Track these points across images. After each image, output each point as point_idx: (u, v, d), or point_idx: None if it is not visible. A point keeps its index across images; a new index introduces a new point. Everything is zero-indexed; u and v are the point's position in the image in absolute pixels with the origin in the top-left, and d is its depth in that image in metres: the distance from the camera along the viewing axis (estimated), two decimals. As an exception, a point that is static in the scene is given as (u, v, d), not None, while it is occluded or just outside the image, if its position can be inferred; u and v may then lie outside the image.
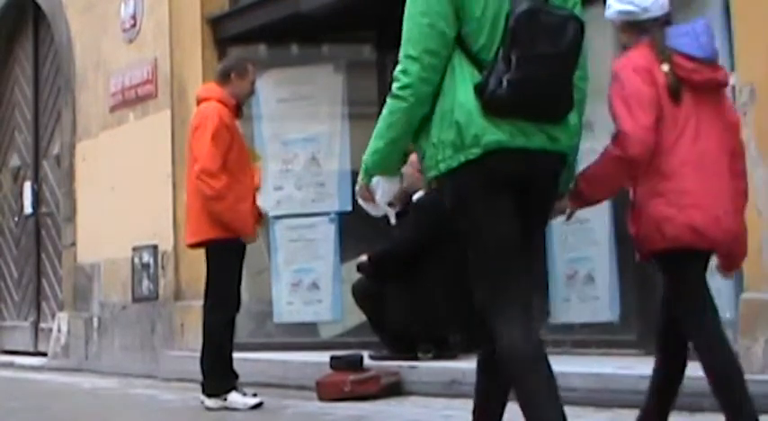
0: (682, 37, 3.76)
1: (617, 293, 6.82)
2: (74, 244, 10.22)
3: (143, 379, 8.63)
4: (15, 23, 11.62)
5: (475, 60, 3.28)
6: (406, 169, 7.13)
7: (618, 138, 3.68)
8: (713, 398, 4.99)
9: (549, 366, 3.39)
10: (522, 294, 3.30)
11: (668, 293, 3.82)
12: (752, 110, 5.07)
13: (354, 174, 8.38)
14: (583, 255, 7.01)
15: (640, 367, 5.71)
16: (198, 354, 6.53)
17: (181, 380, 7.82)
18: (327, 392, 6.36)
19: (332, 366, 6.65)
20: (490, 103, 3.20)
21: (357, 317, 7.55)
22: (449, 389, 6.25)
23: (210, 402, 6.34)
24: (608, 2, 4.00)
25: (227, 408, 6.29)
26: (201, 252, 6.54)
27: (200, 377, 6.47)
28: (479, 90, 3.22)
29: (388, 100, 3.32)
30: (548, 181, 3.37)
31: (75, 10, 10.35)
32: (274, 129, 8.47)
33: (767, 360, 4.88)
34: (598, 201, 3.78)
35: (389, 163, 3.40)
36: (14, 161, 11.66)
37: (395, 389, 6.44)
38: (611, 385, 5.49)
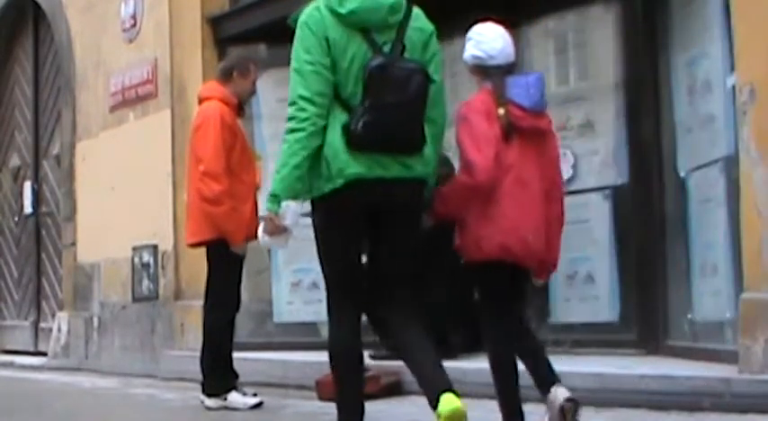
0: (516, 88, 4.41)
1: (617, 293, 6.82)
2: (74, 243, 10.22)
3: (143, 378, 8.63)
4: (15, 23, 11.62)
5: (345, 105, 3.99)
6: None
7: (467, 168, 4.31)
8: (713, 398, 5.01)
9: (361, 361, 4.39)
10: (356, 301, 4.16)
11: (479, 294, 4.58)
12: (752, 110, 5.07)
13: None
14: (583, 255, 7.00)
15: (640, 367, 5.72)
16: (198, 354, 6.53)
17: (181, 380, 7.82)
18: (327, 392, 6.35)
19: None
20: (351, 142, 3.92)
21: (357, 316, 7.54)
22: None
23: (210, 402, 6.34)
24: (466, 45, 4.62)
25: (227, 408, 6.30)
26: (201, 252, 6.54)
27: (200, 377, 6.47)
28: (345, 130, 3.93)
29: (288, 136, 3.98)
30: (407, 203, 4.06)
31: (75, 10, 10.35)
32: (274, 128, 8.45)
33: (767, 360, 4.88)
34: (450, 217, 4.44)
35: (296, 187, 3.99)
36: (14, 161, 11.67)
37: (395, 388, 6.44)
38: (611, 385, 5.49)
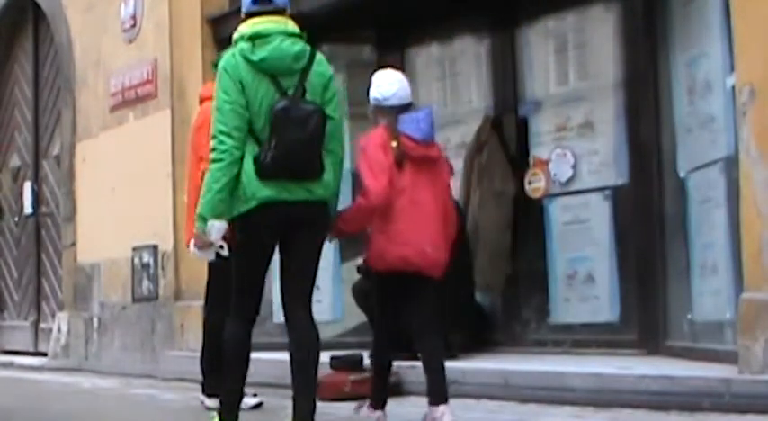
0: (408, 123, 5.09)
1: (617, 293, 6.82)
2: (74, 244, 10.22)
3: (143, 379, 8.62)
4: (15, 23, 11.62)
5: (256, 138, 4.67)
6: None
7: (365, 192, 4.97)
8: (713, 398, 5.01)
9: (248, 359, 4.99)
10: (252, 307, 4.82)
11: (376, 298, 5.27)
12: (751, 110, 5.07)
13: (354, 175, 8.42)
14: (583, 255, 7.01)
15: (640, 367, 5.72)
16: (198, 354, 6.53)
17: (181, 380, 7.82)
18: (327, 392, 6.36)
19: (332, 366, 6.65)
20: (261, 170, 4.61)
21: (357, 317, 7.55)
22: (449, 390, 6.24)
23: (210, 402, 6.34)
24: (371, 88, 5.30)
25: (227, 408, 6.29)
26: (201, 252, 6.53)
27: (200, 377, 6.47)
28: (256, 161, 4.62)
29: (211, 165, 4.64)
30: (311, 221, 4.74)
31: (75, 10, 10.35)
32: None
33: (767, 360, 4.88)
34: (351, 234, 5.17)
35: (219, 208, 4.64)
36: (14, 161, 11.66)
37: (395, 389, 6.43)
38: (611, 385, 5.49)
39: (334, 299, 8.28)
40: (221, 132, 4.66)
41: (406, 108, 5.18)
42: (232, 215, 4.69)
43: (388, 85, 5.26)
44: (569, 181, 7.12)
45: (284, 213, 4.66)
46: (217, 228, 4.68)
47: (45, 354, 10.41)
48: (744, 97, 5.10)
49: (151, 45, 9.22)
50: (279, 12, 4.83)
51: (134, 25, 9.48)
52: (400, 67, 8.34)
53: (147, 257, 9.11)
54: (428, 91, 8.21)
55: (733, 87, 5.36)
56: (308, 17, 7.78)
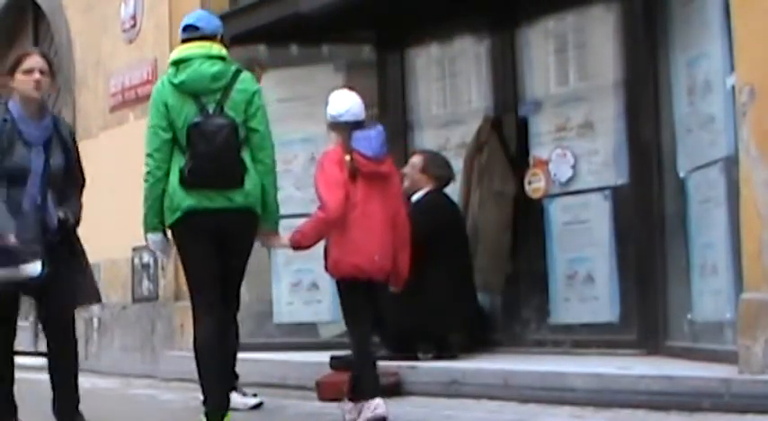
0: (360, 140, 5.42)
1: (617, 293, 6.82)
2: (74, 244, 10.20)
3: (143, 379, 8.63)
4: (15, 23, 11.62)
5: (183, 152, 5.16)
6: (407, 170, 7.16)
7: (323, 206, 5.33)
8: (713, 398, 5.01)
9: (226, 354, 5.48)
10: (211, 302, 5.18)
11: (341, 303, 5.59)
12: (752, 110, 5.07)
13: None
14: (583, 255, 7.01)
15: (640, 367, 5.72)
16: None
17: (181, 380, 7.81)
18: (327, 392, 6.36)
19: (332, 366, 6.65)
20: (182, 182, 5.11)
21: (357, 317, 7.53)
22: (449, 390, 6.25)
23: (210, 402, 6.33)
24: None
25: (227, 408, 6.29)
26: (201, 252, 6.53)
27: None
28: (180, 172, 5.12)
29: (144, 184, 5.30)
30: (236, 228, 5.19)
31: (75, 10, 10.35)
32: (274, 129, 8.43)
33: (767, 360, 4.88)
34: (309, 246, 5.45)
35: (154, 222, 5.32)
36: (14, 161, 11.65)
37: (395, 389, 6.43)
38: (611, 385, 5.49)
39: (334, 299, 8.24)
40: (146, 154, 5.28)
41: (359, 125, 5.49)
42: (167, 224, 5.28)
43: (341, 102, 5.59)
44: (569, 181, 7.12)
45: (209, 221, 5.12)
46: (152, 240, 5.42)
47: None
48: (744, 97, 5.10)
49: (151, 45, 9.22)
50: (206, 37, 5.33)
51: (134, 25, 9.48)
52: (400, 67, 8.39)
53: (147, 258, 9.11)
54: (428, 91, 8.22)
55: (733, 87, 5.35)
56: (308, 17, 7.82)
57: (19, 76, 5.12)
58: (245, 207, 5.15)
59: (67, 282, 5.13)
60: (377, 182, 5.45)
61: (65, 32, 10.46)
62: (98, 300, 5.53)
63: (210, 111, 5.14)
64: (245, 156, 5.20)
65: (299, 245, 5.42)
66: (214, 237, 5.17)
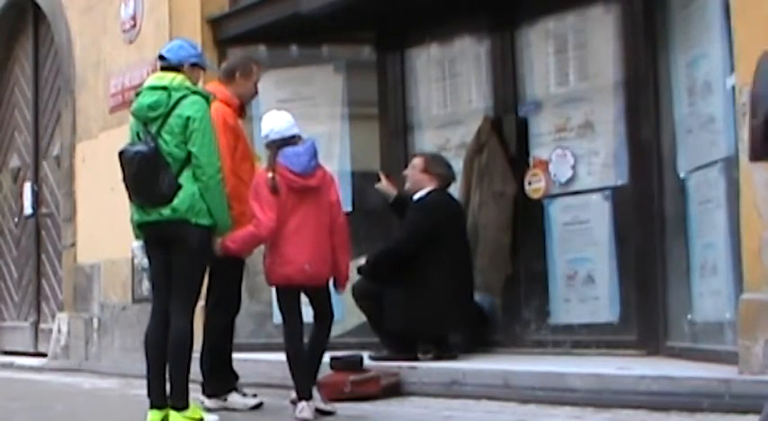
0: (290, 156, 5.80)
1: (617, 293, 6.82)
2: (74, 244, 10.22)
3: (143, 379, 8.60)
4: (15, 23, 11.62)
5: None
6: (408, 171, 7.17)
7: (256, 223, 5.75)
8: (713, 399, 5.02)
9: (163, 351, 5.61)
10: (162, 304, 5.65)
11: (279, 306, 6.00)
12: (752, 110, 5.06)
13: (354, 175, 8.43)
14: (583, 256, 7.01)
15: (640, 367, 5.72)
16: (198, 355, 6.52)
17: (181, 381, 7.79)
18: (327, 392, 6.35)
19: (332, 366, 6.65)
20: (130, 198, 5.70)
21: (357, 317, 7.55)
22: (449, 390, 6.25)
23: (210, 403, 6.34)
24: None
25: (227, 409, 6.29)
26: (201, 252, 6.53)
27: (199, 377, 6.46)
28: None
29: None
30: (170, 236, 5.57)
31: (76, 10, 10.35)
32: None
33: (767, 360, 4.88)
34: (240, 254, 5.99)
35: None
36: (14, 162, 11.66)
37: (395, 389, 6.44)
38: (611, 385, 5.49)
39: (334, 299, 8.25)
40: None
41: (288, 141, 5.85)
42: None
43: (267, 122, 5.95)
44: (569, 181, 7.12)
45: (151, 231, 5.65)
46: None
47: (45, 355, 10.41)
48: (744, 98, 5.10)
49: (151, 45, 9.21)
50: (172, 67, 5.76)
51: (134, 26, 9.48)
52: (400, 67, 8.40)
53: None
54: (428, 91, 8.22)
55: (733, 88, 5.36)
56: (309, 17, 7.83)
57: None
58: (177, 219, 5.54)
59: None
60: (309, 195, 5.82)
61: (65, 33, 10.46)
62: None
63: (150, 136, 5.61)
64: (186, 173, 5.56)
65: (229, 251, 5.79)
66: (161, 247, 5.65)
